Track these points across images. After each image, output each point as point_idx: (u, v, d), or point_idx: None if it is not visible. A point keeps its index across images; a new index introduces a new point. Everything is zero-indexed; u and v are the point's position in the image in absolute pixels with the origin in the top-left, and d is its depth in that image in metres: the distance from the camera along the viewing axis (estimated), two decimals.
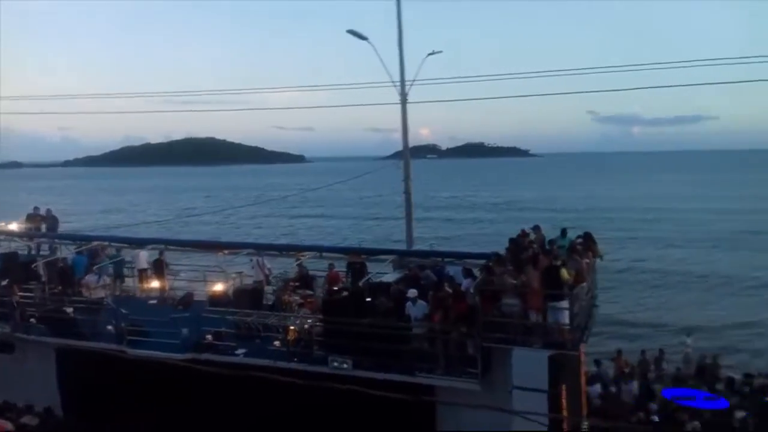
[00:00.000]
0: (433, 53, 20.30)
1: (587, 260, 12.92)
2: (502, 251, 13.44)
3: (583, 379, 13.68)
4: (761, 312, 31.17)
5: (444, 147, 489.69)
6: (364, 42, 19.55)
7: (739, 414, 14.07)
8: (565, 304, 11.06)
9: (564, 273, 11.38)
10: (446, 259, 15.22)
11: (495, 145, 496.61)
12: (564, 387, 10.78)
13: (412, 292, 12.27)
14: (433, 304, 11.85)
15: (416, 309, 12.03)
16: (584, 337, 12.51)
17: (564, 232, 14.58)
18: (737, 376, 17.28)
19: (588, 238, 13.97)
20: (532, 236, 14.24)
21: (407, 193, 19.81)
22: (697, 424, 13.57)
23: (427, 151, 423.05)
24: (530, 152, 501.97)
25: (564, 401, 10.72)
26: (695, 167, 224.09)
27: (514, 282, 11.47)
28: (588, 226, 16.59)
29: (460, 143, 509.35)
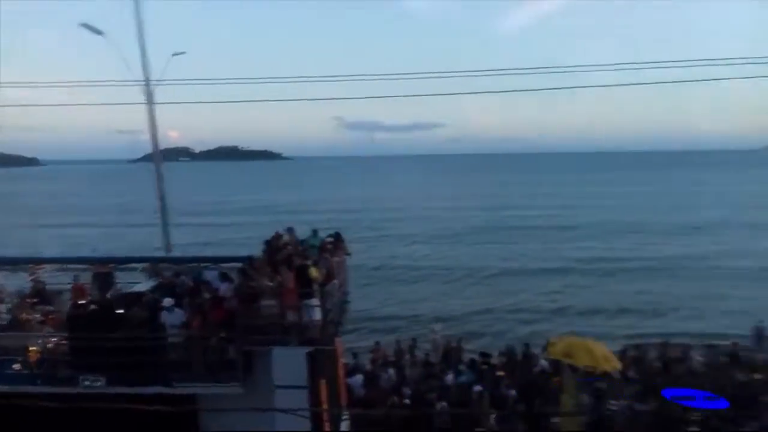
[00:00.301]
0: (177, 54, 19.99)
1: (337, 258, 13.72)
2: (258, 254, 13.70)
3: (341, 372, 14.50)
4: (499, 299, 35.51)
5: (197, 150, 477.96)
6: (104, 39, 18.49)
7: (477, 388, 16.07)
8: (316, 301, 11.65)
9: (313, 271, 11.98)
10: (202, 264, 15.01)
11: (248, 149, 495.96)
12: (323, 381, 11.38)
13: (168, 301, 11.94)
14: (191, 311, 11.69)
15: (173, 317, 11.74)
16: (338, 332, 13.29)
17: (315, 232, 15.25)
18: (477, 357, 19.67)
19: (337, 238, 14.82)
20: (286, 237, 14.67)
21: (162, 197, 19.16)
22: (444, 404, 15.17)
23: (180, 153, 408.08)
24: (282, 155, 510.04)
25: (323, 394, 11.32)
26: (432, 169, 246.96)
27: (271, 284, 11.78)
28: (340, 226, 17.52)
29: (212, 146, 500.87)
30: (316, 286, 11.79)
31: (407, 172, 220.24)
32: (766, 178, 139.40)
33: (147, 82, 18.74)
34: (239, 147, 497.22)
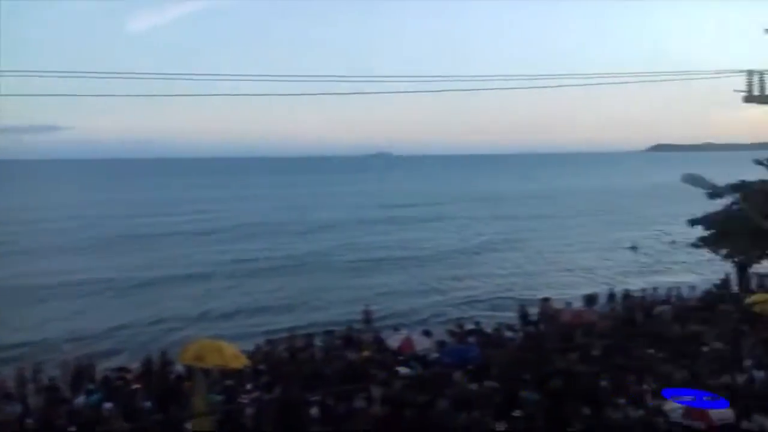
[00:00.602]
0: None
1: None
2: None
3: None
4: (141, 310, 34.55)
5: None
6: None
7: (107, 406, 15.75)
8: None
9: None
10: None
11: None
12: None
13: None
14: None
15: None
16: None
17: None
18: (111, 374, 19.30)
19: None
20: None
21: None
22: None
23: None
24: None
25: None
26: (56, 175, 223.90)
27: None
28: None
29: None
30: None
31: (28, 179, 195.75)
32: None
33: None
34: None
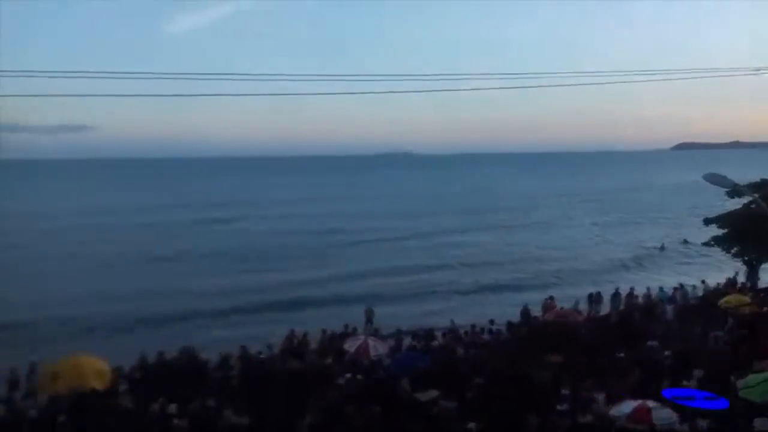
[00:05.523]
0: None
1: None
2: None
3: None
4: None
5: None
6: None
7: None
8: None
9: None
10: None
11: None
12: None
13: None
14: None
15: None
16: None
17: None
18: None
19: None
20: None
21: None
22: None
23: None
24: None
25: None
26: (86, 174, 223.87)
27: None
28: None
29: None
30: None
31: (55, 178, 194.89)
32: None
33: None
34: None
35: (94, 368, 14.29)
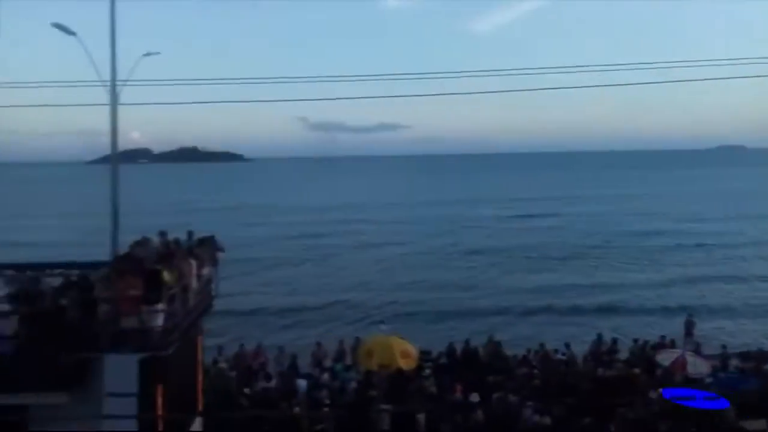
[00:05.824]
0: (149, 54, 19.70)
1: (197, 261, 13.38)
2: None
3: (199, 373, 14.39)
4: None
5: (156, 151, 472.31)
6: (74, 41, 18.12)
7: None
8: (162, 306, 11.35)
9: (166, 276, 11.67)
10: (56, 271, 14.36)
11: (208, 150, 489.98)
12: (160, 387, 11.08)
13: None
14: (20, 319, 11.26)
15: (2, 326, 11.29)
16: (196, 333, 13.06)
17: (190, 234, 14.95)
18: None
19: (205, 241, 14.53)
20: (156, 241, 14.29)
21: (114, 200, 18.36)
22: None
23: (139, 155, 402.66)
24: (244, 157, 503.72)
25: (159, 401, 11.03)
26: (398, 170, 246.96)
27: (108, 291, 11.40)
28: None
29: (173, 147, 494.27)
30: (165, 291, 11.49)
31: (373, 173, 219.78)
32: None
33: (112, 82, 18.09)
34: (199, 148, 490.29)
35: (403, 349, 15.77)
